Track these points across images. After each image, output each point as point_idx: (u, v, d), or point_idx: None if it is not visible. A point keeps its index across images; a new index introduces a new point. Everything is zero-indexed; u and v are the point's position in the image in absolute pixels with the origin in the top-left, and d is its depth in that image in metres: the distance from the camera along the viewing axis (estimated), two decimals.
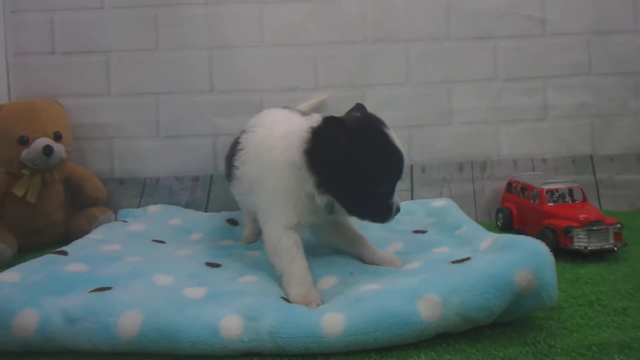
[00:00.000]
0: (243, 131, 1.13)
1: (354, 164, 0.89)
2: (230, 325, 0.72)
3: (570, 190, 1.33)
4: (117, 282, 0.85)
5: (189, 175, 1.56)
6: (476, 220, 1.51)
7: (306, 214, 0.95)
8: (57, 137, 1.35)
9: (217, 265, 1.00)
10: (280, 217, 0.94)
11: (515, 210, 1.40)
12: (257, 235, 1.24)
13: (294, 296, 0.84)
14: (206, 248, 1.14)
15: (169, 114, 1.54)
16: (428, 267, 0.90)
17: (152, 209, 1.45)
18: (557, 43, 1.57)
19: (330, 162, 0.90)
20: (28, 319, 0.73)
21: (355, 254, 1.05)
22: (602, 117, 1.59)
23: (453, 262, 0.84)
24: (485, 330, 0.79)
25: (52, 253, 1.00)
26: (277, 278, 0.92)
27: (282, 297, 0.84)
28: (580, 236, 1.15)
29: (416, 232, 1.21)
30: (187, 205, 1.53)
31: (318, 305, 0.81)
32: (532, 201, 1.32)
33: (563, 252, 1.15)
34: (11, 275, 0.84)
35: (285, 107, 1.19)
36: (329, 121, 0.91)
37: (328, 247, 1.11)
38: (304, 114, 1.08)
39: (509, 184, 1.47)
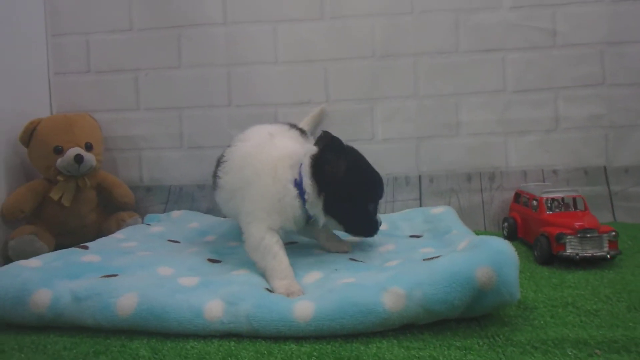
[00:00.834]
0: (228, 146, 1.25)
1: (351, 188, 1.04)
2: (213, 308, 0.82)
3: (574, 200, 1.34)
4: (123, 271, 0.98)
5: (209, 183, 1.65)
6: (484, 231, 1.56)
7: (289, 222, 1.06)
8: (88, 147, 1.50)
9: (217, 261, 1.11)
10: (266, 219, 1.04)
11: (519, 220, 1.42)
12: None
13: (277, 288, 0.93)
14: (213, 247, 1.25)
15: (191, 126, 1.66)
16: (404, 264, 0.96)
17: (175, 214, 1.58)
18: (568, 54, 1.57)
19: (334, 187, 1.04)
20: (42, 297, 0.86)
21: (319, 243, 1.21)
22: (616, 129, 1.58)
23: (424, 260, 0.90)
24: (451, 324, 0.84)
25: (76, 247, 1.14)
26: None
27: (267, 289, 0.93)
28: (573, 243, 1.17)
29: (412, 236, 1.27)
30: (208, 212, 1.64)
31: (299, 296, 0.89)
32: (533, 210, 1.34)
33: (558, 259, 1.18)
34: (34, 261, 0.98)
35: (273, 124, 1.30)
36: (331, 148, 1.04)
37: (318, 247, 1.21)
38: (291, 128, 1.23)
39: (517, 194, 1.49)
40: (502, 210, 1.57)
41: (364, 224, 1.12)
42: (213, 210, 1.64)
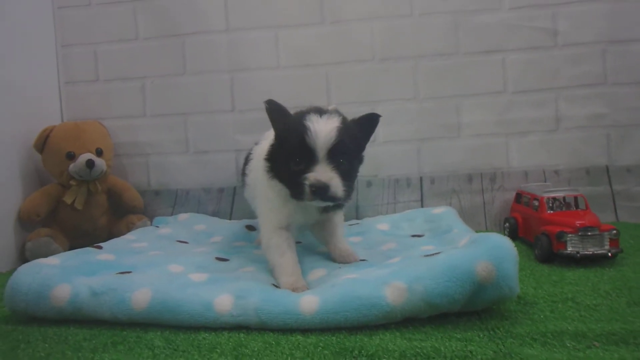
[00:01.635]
0: (256, 143, 1.28)
1: (280, 146, 1.01)
2: (223, 302, 0.86)
3: (576, 199, 1.35)
4: (136, 268, 1.02)
5: (215, 187, 1.70)
6: (486, 231, 1.57)
7: (296, 215, 1.06)
8: (99, 152, 1.54)
9: (225, 260, 1.14)
10: (272, 219, 1.06)
11: (520, 220, 1.43)
12: None
13: (283, 284, 0.96)
14: (220, 247, 1.29)
15: (197, 132, 1.70)
16: (405, 261, 0.99)
17: (182, 216, 1.61)
18: (569, 54, 1.58)
19: (270, 151, 1.04)
20: (62, 292, 0.90)
21: (328, 248, 1.16)
22: (619, 128, 1.58)
23: (425, 256, 0.93)
24: (452, 318, 0.87)
25: (90, 247, 1.18)
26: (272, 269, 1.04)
27: (273, 284, 0.96)
28: (574, 241, 1.18)
29: (414, 236, 1.30)
30: (214, 214, 1.67)
31: (303, 291, 0.92)
32: (534, 210, 1.36)
33: (558, 257, 1.20)
34: (53, 260, 1.03)
35: None
36: (270, 110, 1.03)
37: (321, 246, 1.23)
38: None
39: (518, 195, 1.50)
40: (503, 211, 1.59)
41: (288, 184, 1.00)
42: (219, 213, 1.68)
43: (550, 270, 1.15)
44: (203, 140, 1.70)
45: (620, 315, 0.87)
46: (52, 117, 1.67)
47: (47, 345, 0.82)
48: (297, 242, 1.29)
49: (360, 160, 1.07)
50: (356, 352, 0.75)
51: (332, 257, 1.14)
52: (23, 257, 1.44)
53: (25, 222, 1.47)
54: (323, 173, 0.95)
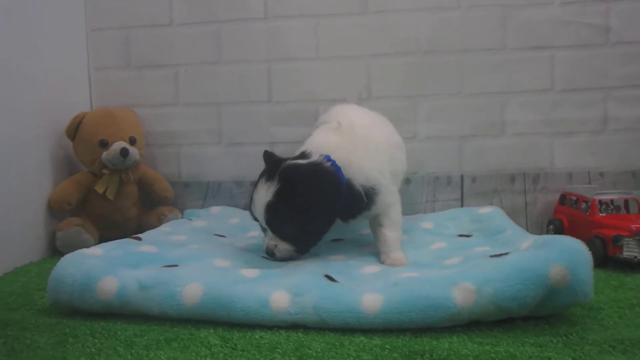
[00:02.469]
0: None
1: None
2: (279, 299, 0.81)
3: (626, 202, 1.31)
4: (182, 261, 0.97)
5: (247, 180, 1.66)
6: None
7: None
8: (132, 141, 1.50)
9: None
10: None
11: (566, 222, 1.39)
12: None
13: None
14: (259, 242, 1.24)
15: (230, 122, 1.66)
16: (467, 262, 0.94)
17: (214, 209, 1.57)
18: (621, 52, 1.52)
19: None
20: (109, 285, 0.86)
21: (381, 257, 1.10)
22: None
23: (491, 257, 0.88)
24: (519, 322, 0.82)
25: (129, 238, 1.14)
26: (320, 262, 1.01)
27: (325, 275, 0.92)
28: (631, 246, 1.14)
29: (461, 235, 1.24)
30: (246, 208, 1.60)
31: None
32: (583, 212, 1.31)
33: (612, 261, 1.15)
34: (95, 250, 0.98)
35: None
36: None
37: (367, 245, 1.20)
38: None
39: (562, 196, 1.46)
40: (545, 212, 1.54)
41: None
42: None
43: (606, 275, 1.11)
44: (237, 132, 1.66)
45: None
46: (81, 104, 1.63)
47: (96, 340, 0.77)
48: (339, 239, 1.25)
49: (322, 211, 1.03)
50: (427, 355, 0.70)
51: (381, 260, 1.08)
52: (53, 247, 1.41)
53: (56, 210, 1.43)
54: (269, 240, 1.06)
